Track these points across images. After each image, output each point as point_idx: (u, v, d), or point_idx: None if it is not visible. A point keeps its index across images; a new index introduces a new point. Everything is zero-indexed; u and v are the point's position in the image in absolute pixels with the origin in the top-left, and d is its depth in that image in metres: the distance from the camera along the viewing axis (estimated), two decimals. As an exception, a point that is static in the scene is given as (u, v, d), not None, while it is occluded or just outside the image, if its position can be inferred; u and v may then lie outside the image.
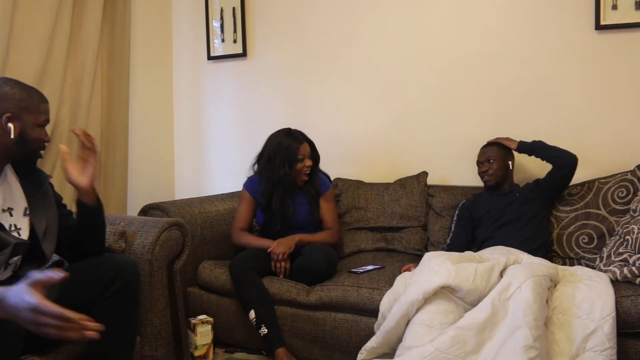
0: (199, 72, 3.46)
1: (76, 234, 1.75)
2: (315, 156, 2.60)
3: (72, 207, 1.82)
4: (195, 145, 3.52)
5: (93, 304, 1.61)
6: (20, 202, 1.63)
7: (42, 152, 1.66)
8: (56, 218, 1.71)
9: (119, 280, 1.62)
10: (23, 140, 1.57)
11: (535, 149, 2.44)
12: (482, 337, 1.78)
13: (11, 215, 1.60)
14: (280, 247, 2.37)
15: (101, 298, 1.61)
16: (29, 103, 1.58)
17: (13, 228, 1.59)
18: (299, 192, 2.57)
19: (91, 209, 1.72)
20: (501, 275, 1.91)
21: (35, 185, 1.68)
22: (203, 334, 2.32)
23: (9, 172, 1.64)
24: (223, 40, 3.36)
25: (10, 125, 1.53)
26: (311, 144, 2.57)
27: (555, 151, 2.40)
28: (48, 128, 2.55)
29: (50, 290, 1.59)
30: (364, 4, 3.00)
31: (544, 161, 2.43)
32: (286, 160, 2.47)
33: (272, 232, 2.51)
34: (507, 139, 2.54)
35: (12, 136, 1.54)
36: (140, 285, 1.76)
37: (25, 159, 1.64)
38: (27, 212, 1.64)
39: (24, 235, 1.60)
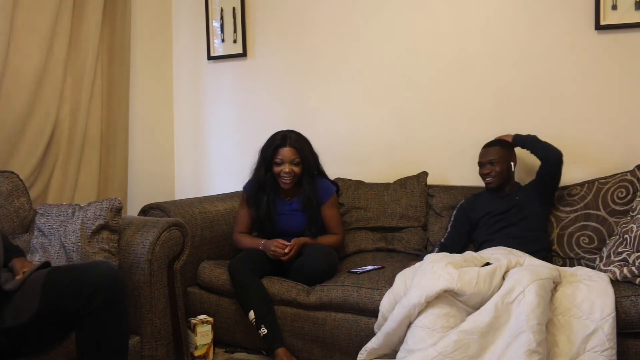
0: (199, 72, 3.46)
1: None
2: (306, 163, 2.48)
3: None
4: (195, 145, 3.52)
5: (76, 318, 1.54)
6: None
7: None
8: None
9: (99, 296, 1.52)
10: None
11: (526, 141, 2.47)
12: (485, 341, 1.77)
13: None
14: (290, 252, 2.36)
15: (83, 314, 1.52)
16: None
17: None
18: (296, 201, 2.54)
19: None
20: (503, 277, 1.91)
21: None
22: (203, 334, 2.32)
23: None
24: (223, 40, 3.36)
25: None
26: (302, 151, 2.46)
27: (542, 144, 2.43)
28: (48, 129, 2.60)
29: (30, 302, 1.50)
30: (364, 4, 3.00)
31: (532, 154, 2.47)
32: (264, 162, 2.46)
33: (267, 237, 2.49)
34: (504, 135, 2.57)
35: None
36: (125, 297, 1.62)
37: None
38: None
39: None
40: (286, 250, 2.34)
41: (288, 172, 2.43)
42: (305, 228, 2.53)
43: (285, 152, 2.43)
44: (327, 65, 3.11)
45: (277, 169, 2.45)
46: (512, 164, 2.48)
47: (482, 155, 2.51)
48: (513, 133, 2.54)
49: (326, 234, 2.58)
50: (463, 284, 1.84)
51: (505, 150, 2.47)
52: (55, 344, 1.64)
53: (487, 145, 2.52)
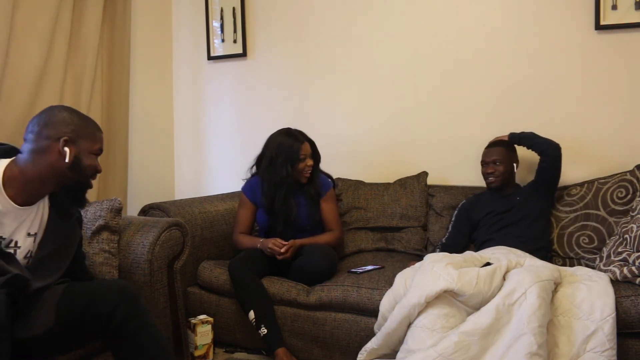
0: (199, 72, 3.46)
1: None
2: (316, 156, 2.59)
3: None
4: (195, 145, 3.52)
5: (95, 335, 1.57)
6: (35, 228, 1.59)
7: (92, 181, 1.63)
8: (67, 256, 1.65)
9: (119, 313, 1.51)
10: (77, 166, 1.56)
11: (522, 138, 2.48)
12: (485, 342, 1.77)
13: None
14: (286, 253, 2.36)
15: (106, 333, 1.53)
16: (85, 130, 1.59)
17: (13, 244, 1.53)
18: (299, 193, 2.56)
19: None
20: (504, 278, 1.90)
21: (63, 219, 1.64)
22: (203, 334, 2.31)
23: (46, 198, 1.62)
24: (223, 40, 3.36)
25: (66, 149, 1.53)
26: (312, 144, 2.57)
27: (540, 139, 2.43)
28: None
29: (45, 316, 1.51)
30: (365, 4, 3.00)
31: (530, 150, 2.46)
32: (288, 160, 2.46)
33: (275, 233, 2.49)
34: (500, 137, 2.57)
35: (66, 160, 1.53)
36: (144, 309, 1.60)
37: (76, 186, 1.61)
38: (33, 234, 1.58)
39: (19, 253, 1.54)
40: (282, 250, 2.35)
41: (310, 165, 2.52)
42: (309, 220, 2.54)
43: (307, 147, 2.51)
44: (328, 65, 3.11)
45: (302, 164, 2.49)
46: (515, 165, 2.49)
47: (485, 154, 2.51)
48: (511, 133, 2.55)
49: (324, 230, 2.58)
50: (463, 284, 1.84)
51: (508, 151, 2.48)
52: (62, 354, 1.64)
53: (491, 146, 2.52)
